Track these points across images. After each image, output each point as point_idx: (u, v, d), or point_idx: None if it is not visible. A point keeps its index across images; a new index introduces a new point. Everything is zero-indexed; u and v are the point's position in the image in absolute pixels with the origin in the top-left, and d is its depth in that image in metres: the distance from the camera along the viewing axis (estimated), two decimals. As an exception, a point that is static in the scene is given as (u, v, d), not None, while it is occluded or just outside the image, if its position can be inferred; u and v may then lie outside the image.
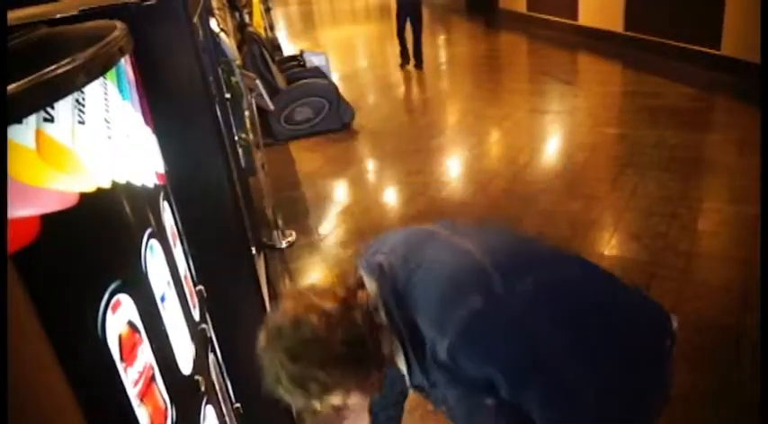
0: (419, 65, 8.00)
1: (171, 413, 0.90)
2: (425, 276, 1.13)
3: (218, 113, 1.61)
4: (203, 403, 1.11)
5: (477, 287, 1.08)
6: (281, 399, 1.12)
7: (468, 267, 1.11)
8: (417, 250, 1.19)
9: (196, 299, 1.30)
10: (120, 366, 0.75)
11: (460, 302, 1.07)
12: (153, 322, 0.90)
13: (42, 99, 0.65)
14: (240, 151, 3.01)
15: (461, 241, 1.17)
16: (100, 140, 0.79)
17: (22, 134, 0.61)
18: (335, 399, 1.12)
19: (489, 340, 1.07)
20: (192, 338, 1.15)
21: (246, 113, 3.54)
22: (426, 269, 1.14)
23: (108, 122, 0.82)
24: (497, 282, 1.07)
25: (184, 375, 1.03)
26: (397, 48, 8.10)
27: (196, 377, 1.08)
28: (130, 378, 0.77)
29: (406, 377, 1.23)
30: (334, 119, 5.86)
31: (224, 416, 1.30)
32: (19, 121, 0.61)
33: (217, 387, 1.31)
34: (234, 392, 1.58)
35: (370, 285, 1.16)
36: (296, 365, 1.06)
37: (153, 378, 0.85)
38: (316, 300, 1.11)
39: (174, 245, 1.18)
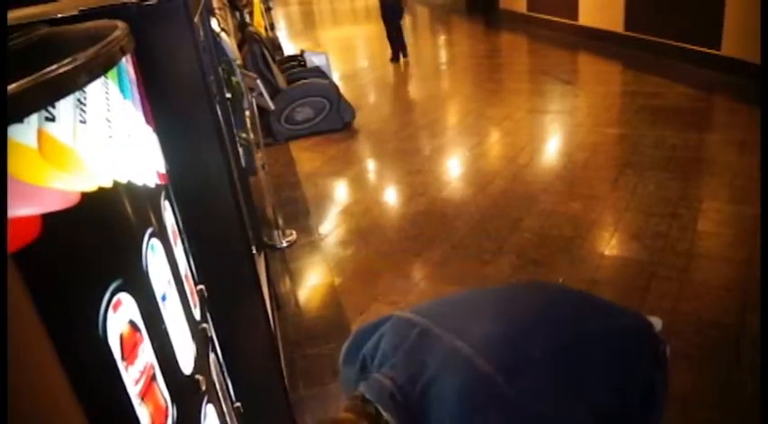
0: (405, 55, 8.88)
1: (172, 412, 0.90)
2: (436, 395, 1.13)
3: (219, 113, 1.61)
4: (204, 402, 1.11)
5: (488, 401, 1.08)
6: None
7: (474, 378, 1.11)
8: (419, 363, 1.18)
9: (197, 298, 1.30)
10: (121, 365, 0.75)
11: (475, 420, 1.08)
12: (154, 321, 0.90)
13: (44, 98, 0.65)
14: (241, 150, 3.01)
15: (457, 342, 1.16)
16: (101, 139, 0.79)
17: (24, 133, 0.61)
18: None
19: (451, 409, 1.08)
20: (193, 337, 1.15)
21: (247, 113, 3.54)
22: (434, 387, 1.13)
23: (109, 121, 0.82)
24: (504, 387, 1.08)
25: (185, 375, 1.03)
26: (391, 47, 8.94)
27: (197, 376, 1.08)
28: (131, 377, 0.77)
29: None
30: (334, 118, 5.86)
31: (224, 415, 1.30)
32: (20, 121, 0.61)
33: (217, 386, 1.31)
34: (234, 391, 1.58)
35: (388, 417, 1.15)
36: None
37: (154, 377, 0.85)
38: None
39: (175, 244, 1.18)
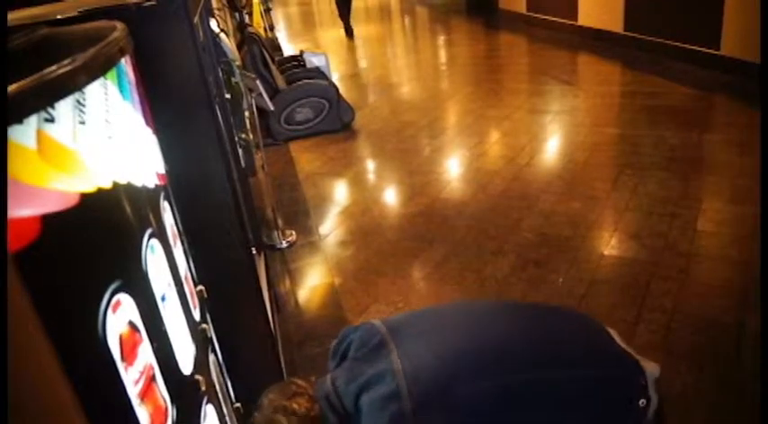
0: (351, 36, 11.38)
1: (171, 413, 0.90)
2: (366, 402, 1.23)
3: (219, 113, 1.61)
4: (204, 403, 1.11)
5: (388, 420, 1.17)
6: None
7: (389, 395, 1.20)
8: (361, 370, 1.28)
9: (197, 299, 1.30)
10: (120, 365, 0.75)
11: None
12: (153, 321, 0.90)
13: (43, 99, 0.65)
14: (240, 151, 3.01)
15: (398, 360, 1.24)
16: (100, 140, 0.79)
17: (23, 134, 0.61)
18: None
19: None
20: (193, 338, 1.15)
21: (246, 113, 3.54)
22: (365, 395, 1.24)
23: (108, 122, 0.83)
24: (409, 416, 1.16)
25: (185, 375, 1.03)
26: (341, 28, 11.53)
27: (197, 377, 1.08)
28: (131, 378, 0.77)
29: None
30: (334, 119, 5.86)
31: (224, 416, 1.30)
32: (20, 122, 0.61)
33: (217, 387, 1.32)
34: (234, 391, 1.58)
35: (326, 413, 1.28)
36: None
37: (153, 378, 0.85)
38: (287, 403, 1.26)
39: (175, 245, 1.18)
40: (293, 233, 3.93)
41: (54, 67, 0.67)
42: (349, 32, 11.47)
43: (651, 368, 1.28)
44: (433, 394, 1.19)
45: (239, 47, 5.67)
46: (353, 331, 1.41)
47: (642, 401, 1.23)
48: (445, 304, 1.50)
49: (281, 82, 5.92)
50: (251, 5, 7.98)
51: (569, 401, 1.23)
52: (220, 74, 2.62)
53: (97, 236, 0.77)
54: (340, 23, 11.73)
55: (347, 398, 1.26)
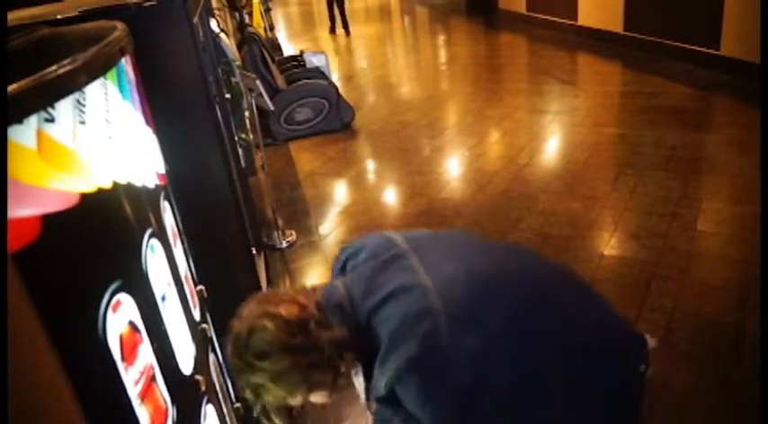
0: (347, 32, 11.59)
1: (171, 413, 0.90)
2: (384, 315, 1.15)
3: (219, 113, 1.61)
4: (204, 403, 1.11)
5: (422, 336, 1.09)
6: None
7: (422, 312, 1.12)
8: (381, 277, 1.20)
9: (197, 299, 1.30)
10: (120, 365, 0.75)
11: (402, 347, 1.10)
12: (154, 321, 0.90)
13: (43, 99, 0.65)
14: (240, 151, 3.01)
15: (423, 275, 1.17)
16: (100, 140, 0.79)
17: (23, 134, 0.61)
18: (294, 402, 1.18)
19: (420, 390, 1.09)
20: (193, 338, 1.15)
21: (246, 113, 3.54)
22: (386, 307, 1.16)
23: (108, 122, 0.83)
24: (443, 332, 1.09)
25: (185, 375, 1.03)
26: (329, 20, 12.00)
27: (197, 377, 1.08)
28: (131, 378, 0.77)
29: (362, 396, 1.29)
30: (334, 119, 5.86)
31: (224, 416, 1.30)
32: (20, 122, 0.61)
33: (217, 387, 1.32)
34: (234, 391, 1.58)
35: (332, 320, 1.19)
36: (252, 374, 1.10)
37: (154, 378, 0.85)
38: (272, 309, 1.14)
39: (175, 245, 1.18)
40: (293, 232, 3.93)
41: (54, 67, 0.68)
42: (333, 31, 11.96)
43: (649, 340, 1.31)
44: (467, 314, 1.12)
45: (239, 47, 5.67)
46: (361, 240, 1.33)
47: (642, 367, 1.26)
48: (454, 231, 1.44)
49: (281, 82, 5.92)
50: (251, 5, 7.98)
51: (586, 368, 1.21)
52: (220, 74, 2.62)
53: (97, 236, 0.77)
54: (339, 23, 11.89)
55: (361, 309, 1.17)
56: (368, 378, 1.21)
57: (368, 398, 1.27)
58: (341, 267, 1.33)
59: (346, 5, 11.79)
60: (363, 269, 1.24)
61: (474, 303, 1.15)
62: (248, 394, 1.13)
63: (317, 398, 1.19)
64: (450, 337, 1.08)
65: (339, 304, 1.18)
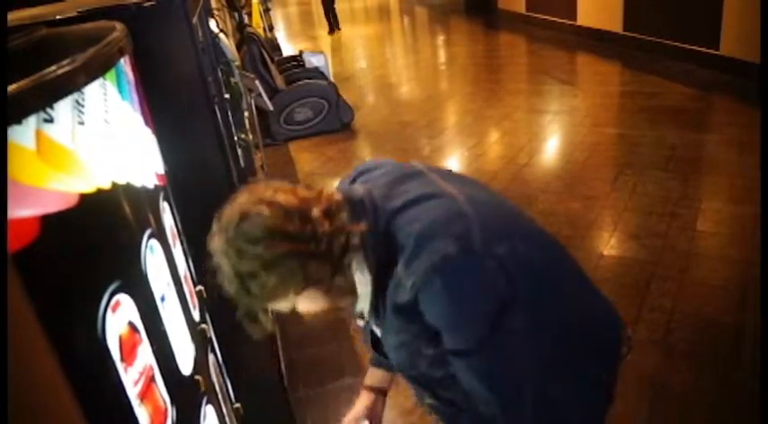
0: (337, 26, 12.37)
1: (171, 413, 0.90)
2: (408, 215, 1.08)
3: (218, 114, 1.61)
4: (203, 403, 1.11)
5: (456, 236, 1.03)
6: (230, 297, 1.06)
7: (452, 214, 1.06)
8: (402, 186, 1.14)
9: (196, 299, 1.30)
10: (120, 366, 0.75)
11: (436, 245, 1.02)
12: (153, 322, 0.90)
13: (42, 99, 0.65)
14: (240, 151, 3.01)
15: (449, 187, 1.13)
16: (99, 141, 0.79)
17: (22, 135, 0.61)
18: (283, 303, 1.08)
19: (453, 292, 1.03)
20: (192, 338, 1.15)
21: (246, 114, 3.54)
22: (410, 208, 1.09)
23: (108, 123, 0.82)
24: (477, 237, 1.03)
25: (184, 376, 1.03)
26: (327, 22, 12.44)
27: (196, 377, 1.08)
28: (131, 378, 0.77)
29: (357, 307, 1.20)
30: (333, 119, 5.86)
31: (224, 416, 1.30)
32: (19, 122, 0.61)
33: (217, 387, 1.31)
34: (234, 392, 1.58)
35: (352, 219, 1.09)
36: (240, 261, 1.00)
37: (153, 378, 0.85)
38: (269, 196, 1.03)
39: (174, 246, 1.18)
40: (293, 233, 3.93)
41: (53, 68, 0.67)
42: (332, 31, 12.39)
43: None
44: (496, 227, 1.08)
45: (239, 47, 5.67)
46: (374, 160, 1.27)
47: (624, 350, 1.25)
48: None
49: (280, 82, 5.92)
50: (250, 6, 7.98)
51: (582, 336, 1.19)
52: (219, 74, 2.62)
53: (96, 237, 0.76)
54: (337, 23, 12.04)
55: (381, 212, 1.09)
56: (377, 290, 1.12)
57: (371, 312, 1.18)
58: (350, 182, 1.24)
59: (336, 5, 12.56)
60: (381, 180, 1.17)
61: (500, 220, 1.13)
62: (232, 287, 1.02)
63: (310, 300, 1.09)
64: (482, 246, 1.02)
65: (360, 200, 1.10)
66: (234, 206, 1.03)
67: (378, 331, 1.30)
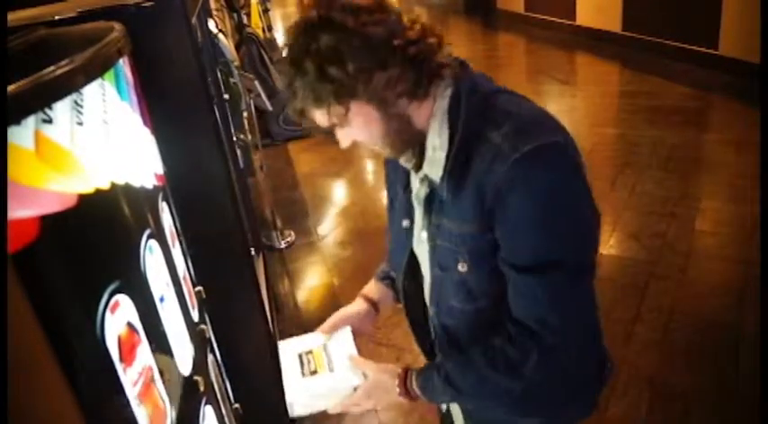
0: None
1: (170, 414, 0.90)
2: (509, 96, 1.06)
3: (217, 114, 1.61)
4: (203, 404, 1.11)
5: (562, 131, 1.02)
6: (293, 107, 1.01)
7: (550, 115, 1.06)
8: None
9: (195, 300, 1.30)
10: (119, 366, 0.75)
11: (546, 131, 0.99)
12: (152, 322, 0.90)
13: (41, 100, 0.65)
14: (239, 152, 3.01)
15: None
16: (98, 141, 0.79)
17: (21, 135, 0.61)
18: (337, 109, 0.99)
19: (561, 176, 0.98)
20: (192, 338, 1.15)
21: (245, 114, 3.54)
22: (510, 93, 1.07)
23: (106, 123, 0.82)
24: (572, 145, 1.02)
25: (184, 376, 1.03)
26: None
27: (195, 378, 1.08)
28: (130, 379, 0.77)
29: (425, 170, 1.07)
30: (332, 119, 5.86)
31: (223, 417, 1.30)
32: (17, 123, 0.61)
33: (216, 388, 1.31)
34: (233, 392, 1.58)
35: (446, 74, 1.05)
36: (321, 37, 0.93)
37: (152, 379, 0.85)
38: None
39: (173, 246, 1.18)
40: (292, 233, 3.93)
41: (52, 68, 0.67)
42: None
43: None
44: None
45: (238, 47, 5.67)
46: None
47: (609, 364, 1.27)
48: None
49: (279, 82, 5.91)
50: (249, 6, 7.98)
51: None
52: (219, 74, 2.62)
53: (95, 237, 0.76)
54: None
55: (483, 83, 1.09)
56: (453, 159, 1.01)
57: (440, 183, 1.05)
58: None
59: None
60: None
61: None
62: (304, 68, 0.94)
63: (362, 120, 1.00)
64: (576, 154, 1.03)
65: (464, 62, 1.08)
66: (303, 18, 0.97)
67: (422, 224, 1.16)
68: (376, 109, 0.99)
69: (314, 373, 1.33)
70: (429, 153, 1.05)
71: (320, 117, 1.04)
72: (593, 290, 1.07)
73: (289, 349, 1.38)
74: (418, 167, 1.10)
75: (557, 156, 0.98)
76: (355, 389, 1.25)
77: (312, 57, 0.94)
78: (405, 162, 1.15)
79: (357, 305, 1.47)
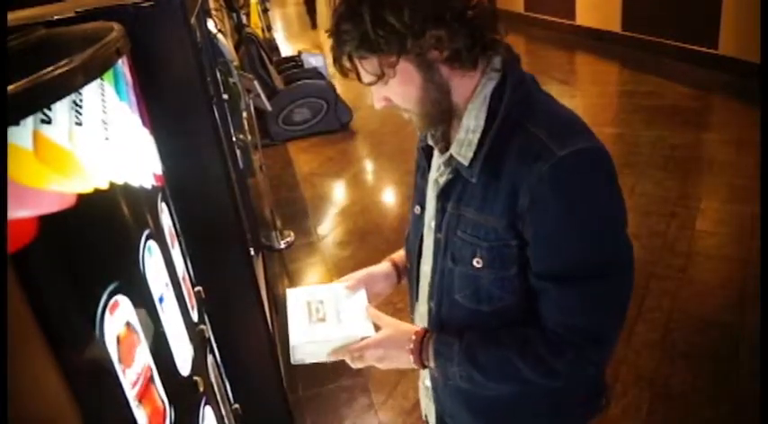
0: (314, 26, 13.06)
1: (170, 414, 0.89)
2: (552, 100, 1.06)
3: (216, 114, 1.61)
4: (202, 404, 1.11)
5: (599, 140, 0.99)
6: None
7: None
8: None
9: (194, 300, 1.30)
10: (118, 367, 0.75)
11: (588, 136, 0.97)
12: (151, 323, 0.90)
13: (40, 100, 0.65)
14: (238, 152, 3.01)
15: None
16: (97, 141, 0.79)
17: (20, 135, 0.61)
18: (382, 59, 0.95)
19: (602, 178, 0.97)
20: (191, 339, 1.14)
21: (244, 114, 3.54)
22: (553, 98, 1.07)
23: (105, 123, 0.82)
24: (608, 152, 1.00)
25: (183, 376, 1.03)
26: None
27: (195, 378, 1.08)
28: (129, 379, 0.77)
29: (454, 149, 1.03)
30: (332, 119, 5.86)
31: (223, 417, 1.30)
32: (16, 123, 0.61)
33: (216, 388, 1.31)
34: (233, 392, 1.58)
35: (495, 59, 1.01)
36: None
37: (151, 379, 0.85)
38: None
39: (173, 246, 1.18)
40: (291, 233, 3.93)
41: (51, 68, 0.67)
42: (314, 26, 13.12)
43: None
44: None
45: (237, 47, 5.67)
46: None
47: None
48: None
49: (278, 82, 5.91)
50: (248, 6, 7.97)
51: None
52: (218, 74, 2.62)
53: (94, 237, 0.76)
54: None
55: (529, 81, 1.08)
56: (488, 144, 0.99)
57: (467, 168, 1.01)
58: None
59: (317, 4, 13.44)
60: None
61: None
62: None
63: (402, 78, 0.97)
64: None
65: (508, 47, 1.04)
66: None
67: (433, 212, 1.14)
68: (419, 70, 0.97)
69: (321, 320, 1.25)
70: (461, 134, 1.02)
71: (364, 67, 0.99)
72: (629, 293, 1.12)
73: (298, 296, 1.30)
74: (445, 148, 1.07)
75: (599, 161, 0.97)
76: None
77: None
78: (432, 140, 1.13)
79: (384, 267, 1.41)
